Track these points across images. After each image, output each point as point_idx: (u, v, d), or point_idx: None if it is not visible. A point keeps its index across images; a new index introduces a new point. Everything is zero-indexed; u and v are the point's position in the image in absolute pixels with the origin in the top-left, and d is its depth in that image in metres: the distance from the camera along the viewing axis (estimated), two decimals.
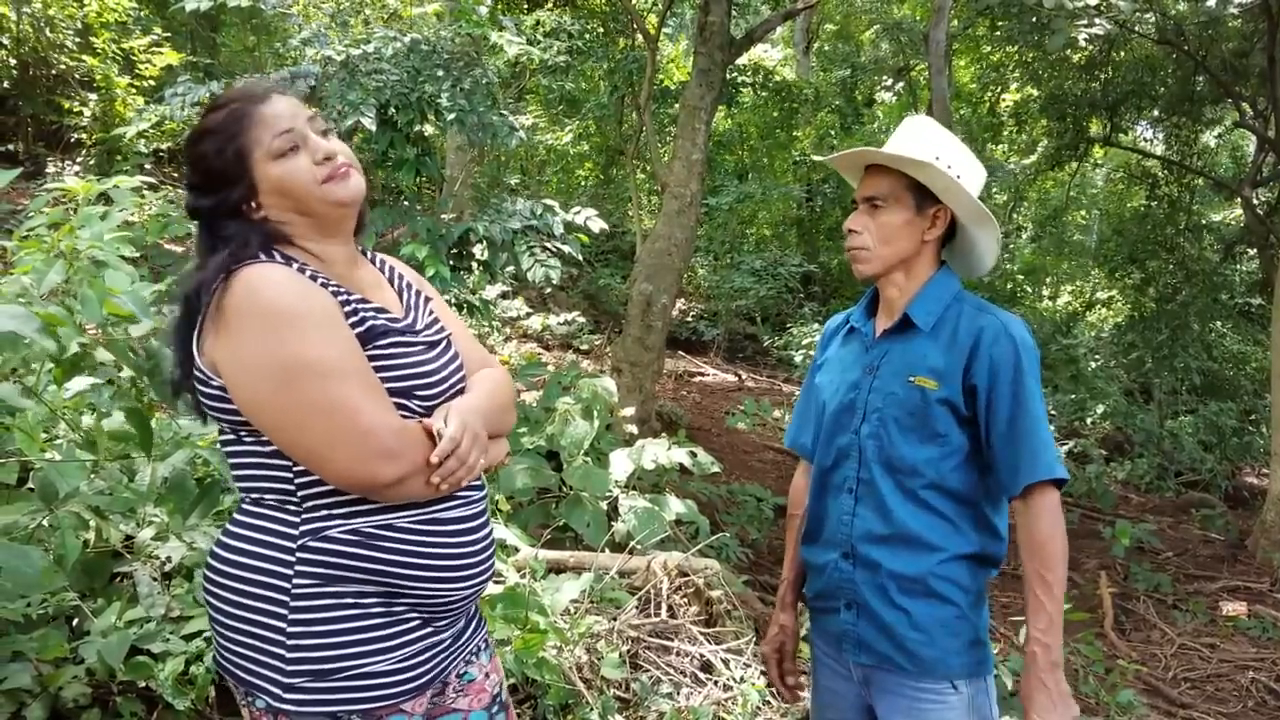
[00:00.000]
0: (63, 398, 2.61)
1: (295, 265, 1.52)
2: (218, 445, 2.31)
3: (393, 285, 1.74)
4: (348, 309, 1.52)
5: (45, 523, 2.30)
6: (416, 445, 1.48)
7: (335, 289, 1.53)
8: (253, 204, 1.55)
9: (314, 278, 1.52)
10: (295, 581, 1.49)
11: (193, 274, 1.53)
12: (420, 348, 1.61)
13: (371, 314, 1.56)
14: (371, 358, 1.51)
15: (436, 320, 1.73)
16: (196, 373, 1.52)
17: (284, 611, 1.49)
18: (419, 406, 1.56)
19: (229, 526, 1.59)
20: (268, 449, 1.50)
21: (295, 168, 1.54)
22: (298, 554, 1.49)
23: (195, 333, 1.50)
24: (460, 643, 1.70)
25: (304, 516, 1.50)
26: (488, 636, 1.84)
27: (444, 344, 1.69)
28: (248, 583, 1.52)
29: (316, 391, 1.41)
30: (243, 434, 1.53)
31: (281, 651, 1.49)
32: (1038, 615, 1.88)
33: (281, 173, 1.53)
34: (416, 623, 1.57)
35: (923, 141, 2.02)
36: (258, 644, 1.51)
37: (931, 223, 2.03)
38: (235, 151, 1.52)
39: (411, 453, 1.47)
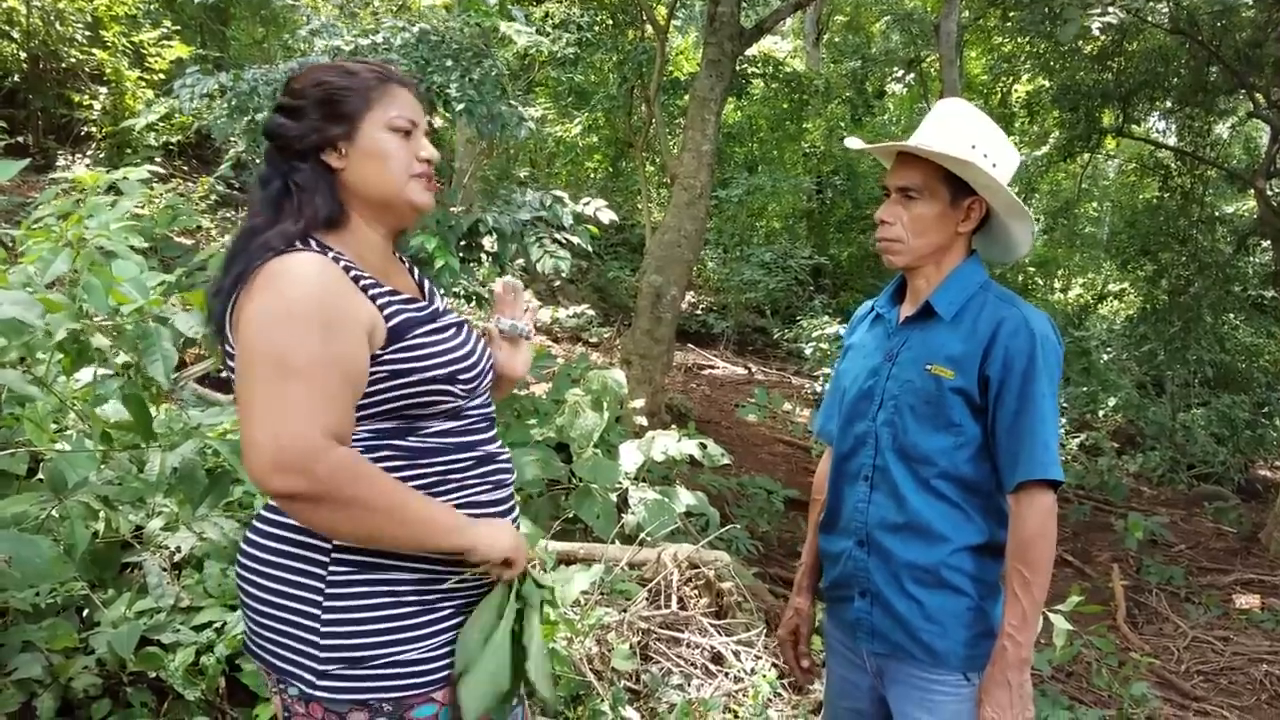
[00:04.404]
0: (71, 388, 2.61)
1: (330, 254, 1.51)
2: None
3: (413, 276, 1.77)
4: (379, 302, 1.51)
5: (54, 513, 2.29)
6: (334, 473, 1.38)
7: (368, 282, 1.52)
8: (340, 150, 1.56)
9: (348, 269, 1.51)
10: (331, 570, 1.50)
11: (245, 238, 1.52)
12: (451, 330, 1.63)
13: (401, 304, 1.56)
14: (410, 348, 1.52)
15: (447, 302, 1.77)
16: (228, 361, 1.53)
17: (319, 599, 1.50)
18: (462, 390, 1.58)
19: (263, 514, 1.60)
20: None
21: (399, 147, 1.59)
22: (334, 542, 1.50)
23: (230, 312, 1.50)
24: None
25: None
26: None
27: (466, 325, 1.71)
28: (283, 569, 1.53)
29: (265, 387, 1.39)
30: None
31: (316, 639, 1.50)
32: (1013, 611, 1.87)
33: (387, 143, 1.58)
34: (448, 612, 1.58)
35: (960, 130, 1.98)
36: (292, 632, 1.52)
37: (966, 215, 1.99)
38: (362, 100, 1.57)
39: (320, 479, 1.37)
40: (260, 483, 1.39)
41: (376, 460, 1.51)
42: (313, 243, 1.51)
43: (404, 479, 1.52)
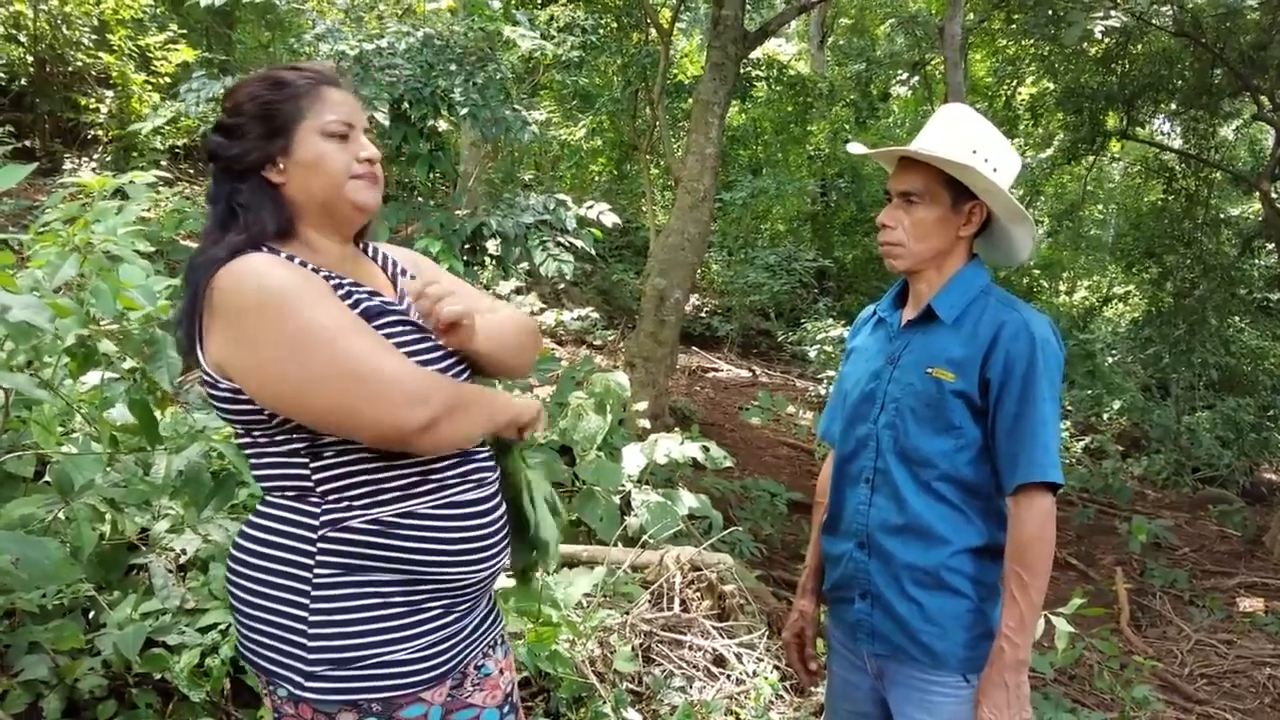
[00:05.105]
0: (78, 391, 2.63)
1: (283, 254, 1.53)
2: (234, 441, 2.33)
3: (386, 272, 1.76)
4: (341, 292, 1.53)
5: (61, 515, 2.31)
6: (442, 386, 1.48)
7: (326, 275, 1.54)
8: (279, 165, 1.56)
9: (303, 264, 1.53)
10: (317, 572, 1.51)
11: (195, 257, 1.53)
12: (412, 328, 1.62)
13: (365, 296, 1.57)
14: None
15: None
16: (205, 378, 1.53)
17: (306, 601, 1.50)
18: None
19: (251, 519, 1.61)
20: (283, 446, 1.51)
21: (336, 151, 1.57)
22: (318, 544, 1.51)
23: (198, 336, 1.51)
24: (480, 633, 1.72)
25: (324, 508, 1.52)
26: (504, 632, 1.85)
27: None
28: (270, 573, 1.53)
29: (329, 352, 1.41)
30: (256, 434, 1.54)
31: (303, 641, 1.50)
32: (1010, 613, 1.88)
33: (323, 150, 1.56)
34: (437, 611, 1.58)
35: (961, 135, 1.99)
36: (280, 634, 1.52)
37: (967, 219, 2.01)
38: (294, 109, 1.55)
39: (438, 394, 1.46)
40: (395, 428, 1.43)
41: (350, 465, 1.51)
42: (264, 249, 1.52)
43: (381, 481, 1.52)
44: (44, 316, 1.80)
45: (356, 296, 1.55)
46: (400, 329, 1.58)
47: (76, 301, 2.19)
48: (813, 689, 3.54)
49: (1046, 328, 1.96)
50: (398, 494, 1.53)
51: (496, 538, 1.66)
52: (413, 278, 1.77)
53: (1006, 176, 2.00)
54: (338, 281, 1.55)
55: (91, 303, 2.18)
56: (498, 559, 1.67)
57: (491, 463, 1.71)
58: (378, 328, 1.54)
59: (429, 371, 1.50)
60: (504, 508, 1.72)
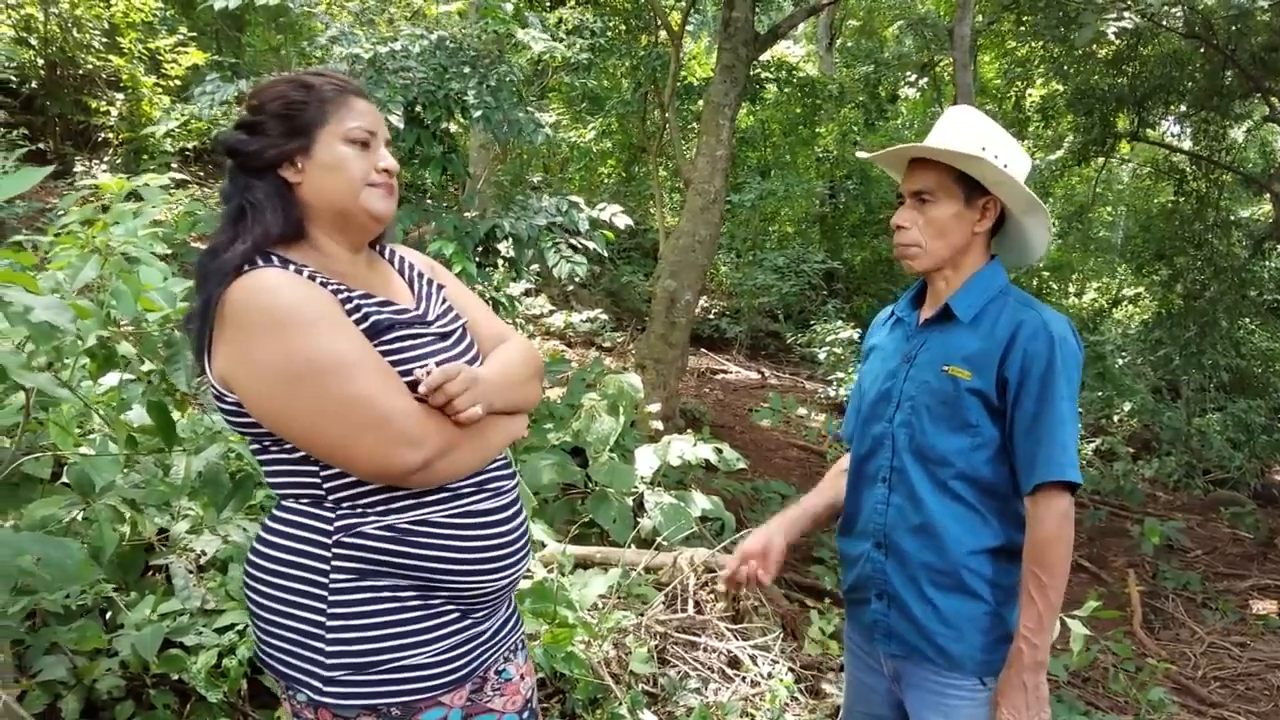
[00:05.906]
0: (94, 393, 2.64)
1: (293, 268, 1.52)
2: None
3: (403, 276, 1.75)
4: (349, 306, 1.52)
5: (81, 516, 2.32)
6: (438, 426, 1.48)
7: (336, 287, 1.53)
8: (297, 164, 1.56)
9: (313, 278, 1.51)
10: (333, 576, 1.50)
11: (207, 258, 1.53)
12: (430, 339, 1.61)
13: (375, 309, 1.56)
14: (380, 354, 1.51)
15: (450, 310, 1.73)
16: (211, 389, 1.53)
17: (323, 606, 1.50)
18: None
19: (267, 523, 1.61)
20: (293, 455, 1.51)
21: (356, 157, 1.58)
22: (334, 549, 1.51)
23: (206, 348, 1.51)
24: (500, 637, 1.71)
25: (339, 513, 1.51)
26: (524, 637, 1.84)
27: (457, 334, 1.69)
28: (287, 578, 1.53)
29: (330, 387, 1.41)
30: (267, 443, 1.54)
31: (321, 645, 1.50)
32: (1028, 614, 1.86)
33: (344, 154, 1.57)
34: (454, 615, 1.58)
35: (969, 133, 1.99)
36: (298, 638, 1.52)
37: (981, 214, 2.00)
38: (318, 112, 1.57)
39: (434, 435, 1.46)
40: (390, 468, 1.44)
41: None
42: (274, 259, 1.52)
43: (393, 488, 1.51)
44: (66, 317, 1.81)
45: (366, 310, 1.54)
46: (413, 339, 1.57)
47: (96, 303, 2.20)
48: (824, 689, 3.54)
49: (1065, 327, 1.94)
50: (411, 501, 1.52)
51: (514, 547, 1.65)
52: (429, 281, 1.76)
53: (1017, 174, 2.00)
54: (347, 294, 1.54)
55: (112, 304, 2.19)
56: (515, 568, 1.66)
57: (509, 472, 1.70)
58: (388, 341, 1.53)
59: (426, 411, 1.48)
60: (522, 517, 1.70)
